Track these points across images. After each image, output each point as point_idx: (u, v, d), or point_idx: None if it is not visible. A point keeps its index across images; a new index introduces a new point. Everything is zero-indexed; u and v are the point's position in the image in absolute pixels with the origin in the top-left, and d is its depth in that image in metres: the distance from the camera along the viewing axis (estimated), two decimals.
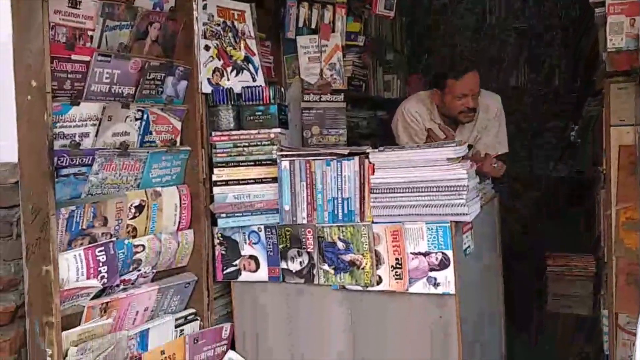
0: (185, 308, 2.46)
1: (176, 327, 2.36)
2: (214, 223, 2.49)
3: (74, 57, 1.93)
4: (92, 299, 2.04)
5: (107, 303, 2.07)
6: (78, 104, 1.94)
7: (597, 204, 3.76)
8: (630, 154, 3.01)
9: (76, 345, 1.94)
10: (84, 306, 2.00)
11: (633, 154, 2.98)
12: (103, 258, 2.04)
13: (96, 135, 2.04)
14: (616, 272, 3.07)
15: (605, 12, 2.64)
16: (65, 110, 1.91)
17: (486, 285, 2.60)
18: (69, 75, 1.93)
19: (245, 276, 2.48)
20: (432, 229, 2.14)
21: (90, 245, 2.01)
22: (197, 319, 2.45)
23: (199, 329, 2.45)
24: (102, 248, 2.04)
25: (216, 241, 2.51)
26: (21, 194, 1.89)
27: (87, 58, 1.96)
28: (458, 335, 2.14)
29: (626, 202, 3.03)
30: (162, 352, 2.27)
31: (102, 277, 2.04)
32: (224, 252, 2.50)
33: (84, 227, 2.00)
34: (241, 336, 2.52)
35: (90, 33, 2.01)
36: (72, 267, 1.94)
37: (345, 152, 2.27)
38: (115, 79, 2.08)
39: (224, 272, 2.51)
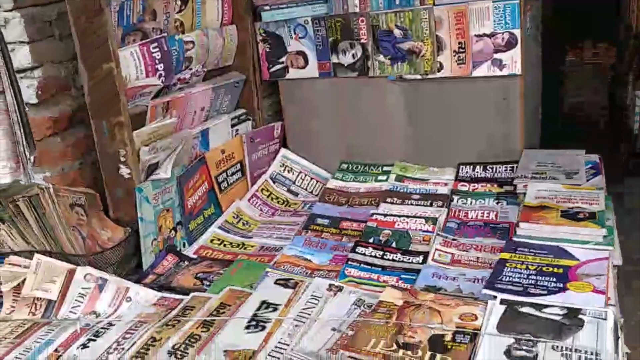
0: (236, 108, 2.42)
1: (231, 127, 2.33)
2: (256, 20, 2.35)
3: None
4: (152, 98, 1.97)
5: (168, 102, 2.01)
6: None
7: None
8: None
9: (146, 145, 1.91)
10: (147, 106, 1.93)
11: None
12: (158, 55, 1.93)
13: None
14: None
15: None
16: None
17: (535, 68, 2.55)
18: None
19: (293, 73, 2.40)
20: (499, 7, 2.03)
21: (144, 41, 1.89)
22: (249, 119, 2.42)
23: (252, 129, 2.43)
24: (156, 44, 1.92)
25: (259, 38, 2.38)
26: None
27: None
28: (521, 117, 2.15)
29: None
30: (223, 151, 2.27)
31: (160, 75, 1.95)
32: (268, 50, 2.39)
33: (135, 21, 1.87)
34: (292, 134, 2.52)
35: None
36: (130, 65, 1.84)
37: None
38: None
39: (270, 70, 2.43)
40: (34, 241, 1.76)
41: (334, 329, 1.31)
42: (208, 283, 1.79)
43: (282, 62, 2.39)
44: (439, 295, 1.40)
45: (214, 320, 1.46)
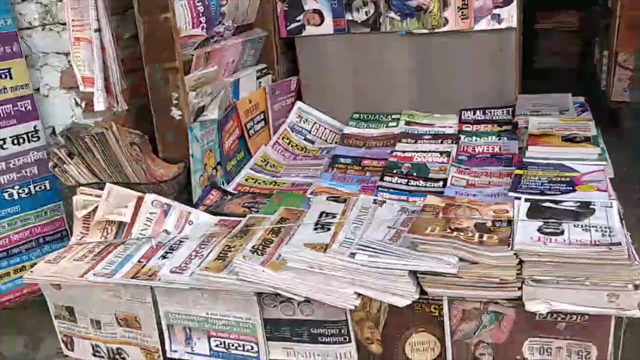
0: (257, 63, 2.64)
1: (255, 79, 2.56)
2: None
3: None
4: (195, 49, 2.18)
5: (208, 52, 2.22)
6: None
7: None
8: None
9: (193, 90, 2.13)
10: (192, 55, 2.14)
11: None
12: (201, 9, 2.14)
13: None
14: (620, 15, 3.39)
15: None
16: None
17: None
18: None
19: (309, 30, 2.64)
20: None
21: None
22: (269, 73, 2.65)
23: (271, 82, 2.66)
24: None
25: None
26: None
27: None
28: (516, 66, 2.45)
29: None
30: (250, 101, 2.50)
31: (203, 27, 2.16)
32: (286, 8, 2.62)
33: None
34: (307, 88, 2.76)
35: None
36: (181, 16, 2.05)
37: None
38: None
39: (288, 28, 2.66)
40: (101, 174, 1.97)
41: (389, 227, 1.59)
42: (256, 210, 2.03)
43: (299, 20, 2.63)
44: (472, 199, 1.69)
45: (281, 228, 1.71)
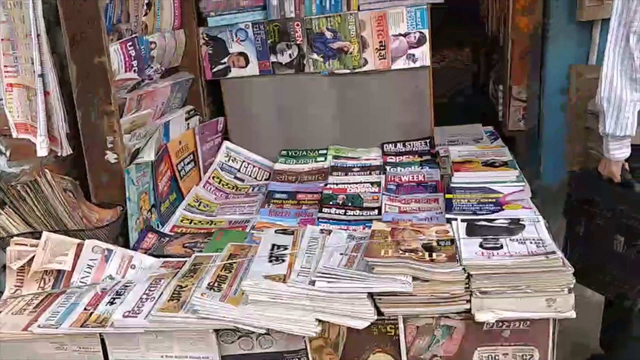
0: (184, 105, 2.66)
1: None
2: (200, 24, 2.63)
3: None
4: (127, 92, 2.18)
5: (141, 95, 2.22)
6: None
7: None
8: None
9: (129, 133, 2.12)
10: (125, 98, 2.14)
11: None
12: (133, 52, 2.15)
13: None
14: (511, 52, 3.76)
15: None
16: None
17: None
18: None
19: (235, 72, 2.71)
20: (411, 12, 2.52)
21: (122, 39, 2.10)
22: (197, 114, 2.67)
23: (199, 123, 2.68)
24: (131, 43, 2.14)
25: (202, 41, 2.66)
26: None
27: None
28: (430, 101, 2.65)
29: None
30: (180, 142, 2.51)
31: (135, 71, 2.16)
32: (210, 52, 2.68)
33: (114, 22, 2.08)
34: (234, 127, 2.81)
35: None
36: (114, 60, 2.05)
37: None
38: None
39: (213, 70, 2.71)
40: (35, 223, 1.89)
41: (341, 254, 1.66)
42: (199, 249, 2.04)
43: (224, 63, 2.69)
44: (414, 222, 1.81)
45: (233, 263, 1.73)
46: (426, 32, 2.55)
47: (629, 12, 1.82)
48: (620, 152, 1.94)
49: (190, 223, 2.34)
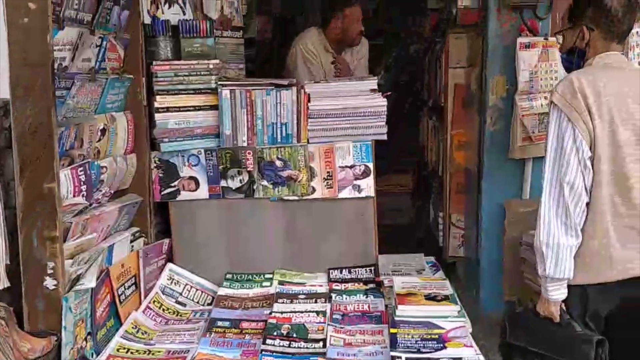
0: (130, 226, 2.64)
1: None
2: (152, 148, 2.68)
3: None
4: (74, 216, 2.16)
5: (87, 219, 2.20)
6: (63, 28, 2.00)
7: (422, 131, 4.67)
8: (462, 91, 3.90)
9: (71, 258, 2.07)
10: (71, 222, 2.12)
11: (464, 91, 3.87)
12: (83, 178, 2.16)
13: (72, 60, 2.11)
14: (450, 183, 3.99)
15: None
16: (54, 34, 1.97)
17: None
18: (52, 0, 1.97)
19: (184, 195, 2.74)
20: (357, 146, 2.67)
21: (74, 165, 2.12)
22: (142, 236, 2.65)
23: (144, 245, 2.66)
24: (82, 168, 2.15)
25: (153, 165, 2.71)
26: (14, 113, 1.91)
27: None
28: (375, 229, 2.74)
29: (458, 128, 3.94)
30: (122, 266, 2.46)
31: (83, 196, 2.16)
32: (161, 175, 2.72)
33: (67, 147, 2.10)
34: (180, 249, 2.79)
35: None
36: (63, 186, 2.05)
37: (285, 82, 2.64)
38: (81, 5, 2.15)
39: (162, 192, 2.73)
40: None
41: None
42: None
43: (174, 186, 2.72)
44: None
45: None
46: (371, 165, 2.68)
47: (562, 165, 1.98)
48: (559, 292, 2.03)
49: (127, 352, 2.25)
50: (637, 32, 2.89)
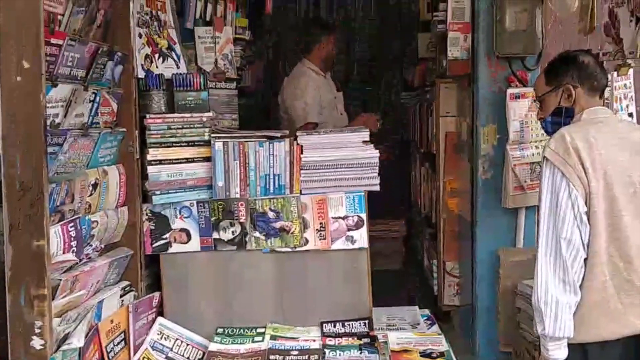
0: (120, 280, 2.61)
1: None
2: (144, 200, 2.67)
3: (53, 40, 1.99)
4: (63, 273, 2.13)
5: (76, 276, 2.17)
6: (56, 86, 2.01)
7: (414, 178, 4.69)
8: (453, 138, 3.93)
9: (59, 316, 2.03)
10: (60, 280, 2.08)
11: (455, 139, 3.90)
12: (73, 233, 2.13)
13: (65, 116, 2.12)
14: (443, 230, 3.97)
15: (446, 29, 3.43)
16: (47, 92, 1.98)
17: None
18: (47, 58, 1.98)
19: (176, 247, 2.71)
20: (350, 197, 2.67)
21: (64, 221, 2.10)
22: (132, 290, 2.61)
23: (134, 299, 2.62)
24: (72, 224, 2.13)
25: (144, 217, 2.69)
26: (4, 170, 1.90)
27: (61, 42, 2.03)
28: (368, 280, 2.72)
29: (450, 175, 3.95)
30: (112, 321, 2.42)
31: (73, 252, 2.14)
32: (152, 227, 2.70)
33: (58, 204, 2.08)
34: (170, 303, 2.75)
35: (59, 17, 2.08)
36: (53, 243, 2.02)
37: (278, 134, 2.66)
38: (75, 62, 2.16)
39: (153, 245, 2.71)
40: None
41: None
42: None
43: (166, 238, 2.70)
44: None
45: None
46: (364, 216, 2.68)
47: (557, 221, 1.98)
48: (559, 352, 2.00)
49: None
50: (624, 85, 2.94)
